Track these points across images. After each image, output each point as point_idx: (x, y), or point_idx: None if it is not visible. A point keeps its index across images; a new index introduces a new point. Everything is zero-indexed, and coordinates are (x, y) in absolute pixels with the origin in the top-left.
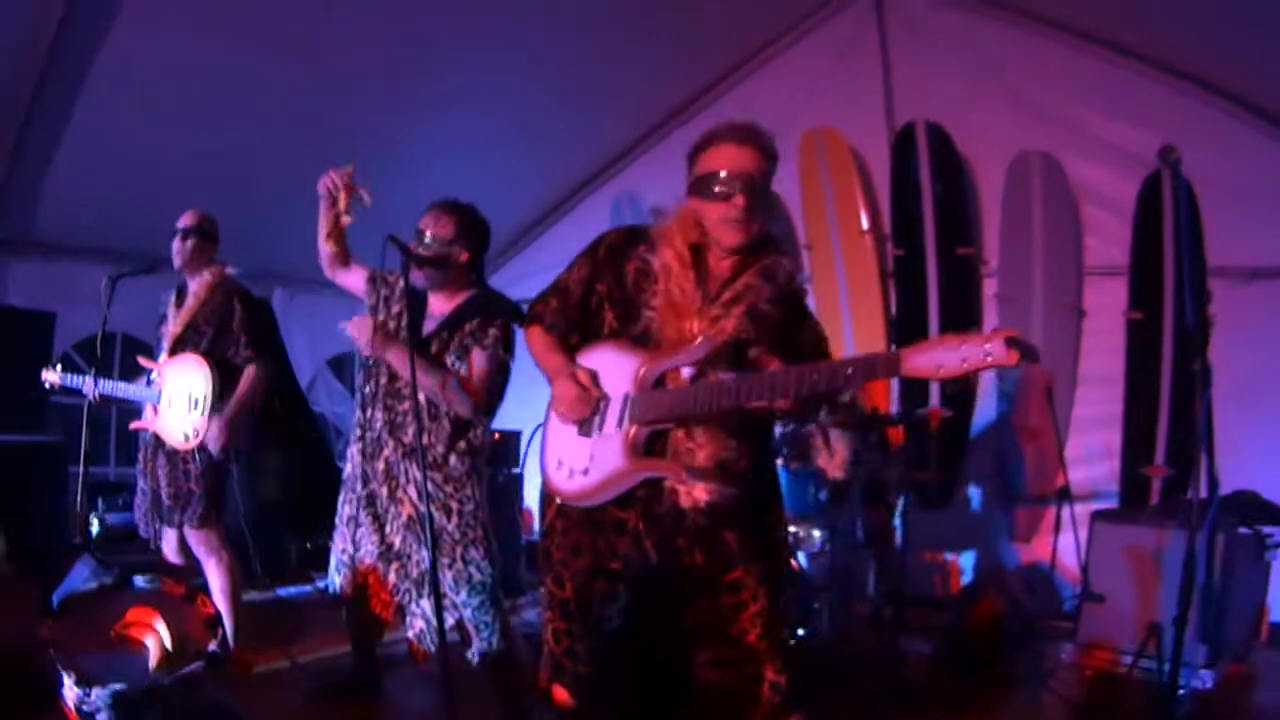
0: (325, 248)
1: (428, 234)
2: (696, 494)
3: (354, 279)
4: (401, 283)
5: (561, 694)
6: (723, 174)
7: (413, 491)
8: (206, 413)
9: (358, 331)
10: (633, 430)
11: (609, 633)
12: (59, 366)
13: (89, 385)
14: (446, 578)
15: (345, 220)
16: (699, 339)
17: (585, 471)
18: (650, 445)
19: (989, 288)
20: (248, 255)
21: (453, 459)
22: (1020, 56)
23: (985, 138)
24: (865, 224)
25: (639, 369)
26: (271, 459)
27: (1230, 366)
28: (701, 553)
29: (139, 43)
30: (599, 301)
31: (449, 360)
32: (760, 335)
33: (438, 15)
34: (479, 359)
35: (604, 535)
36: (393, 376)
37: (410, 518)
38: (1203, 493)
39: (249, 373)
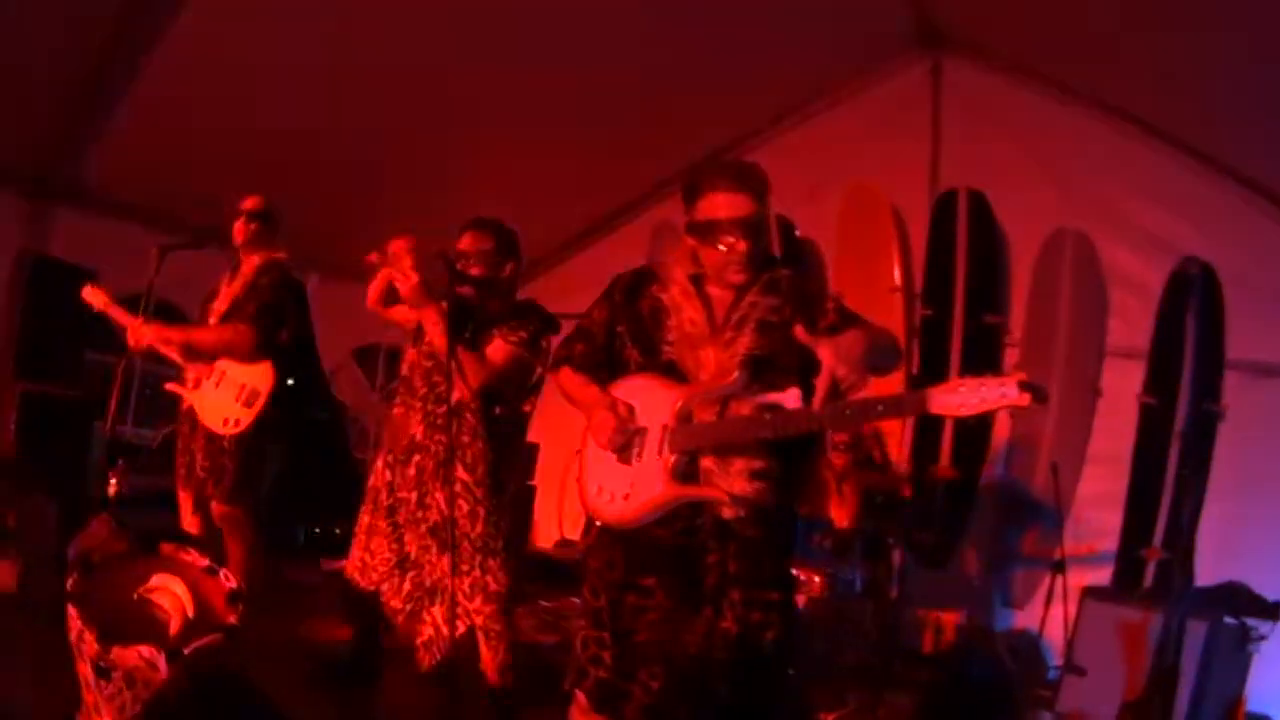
0: (375, 292)
1: (463, 251)
2: (738, 507)
3: (400, 314)
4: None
5: (581, 699)
6: (723, 222)
7: (441, 497)
8: (258, 409)
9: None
10: (672, 459)
11: (635, 643)
12: (105, 291)
13: (137, 328)
14: (464, 583)
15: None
16: (735, 375)
17: (627, 497)
18: (688, 468)
19: (1010, 357)
20: (287, 237)
21: (484, 467)
22: (1067, 135)
23: (1024, 211)
24: (897, 280)
25: (676, 402)
26: (281, 438)
27: (1239, 459)
28: (738, 564)
29: (211, 17)
30: (621, 342)
31: None
32: (776, 346)
33: (497, 41)
34: (497, 345)
35: (640, 552)
36: (434, 383)
37: (436, 524)
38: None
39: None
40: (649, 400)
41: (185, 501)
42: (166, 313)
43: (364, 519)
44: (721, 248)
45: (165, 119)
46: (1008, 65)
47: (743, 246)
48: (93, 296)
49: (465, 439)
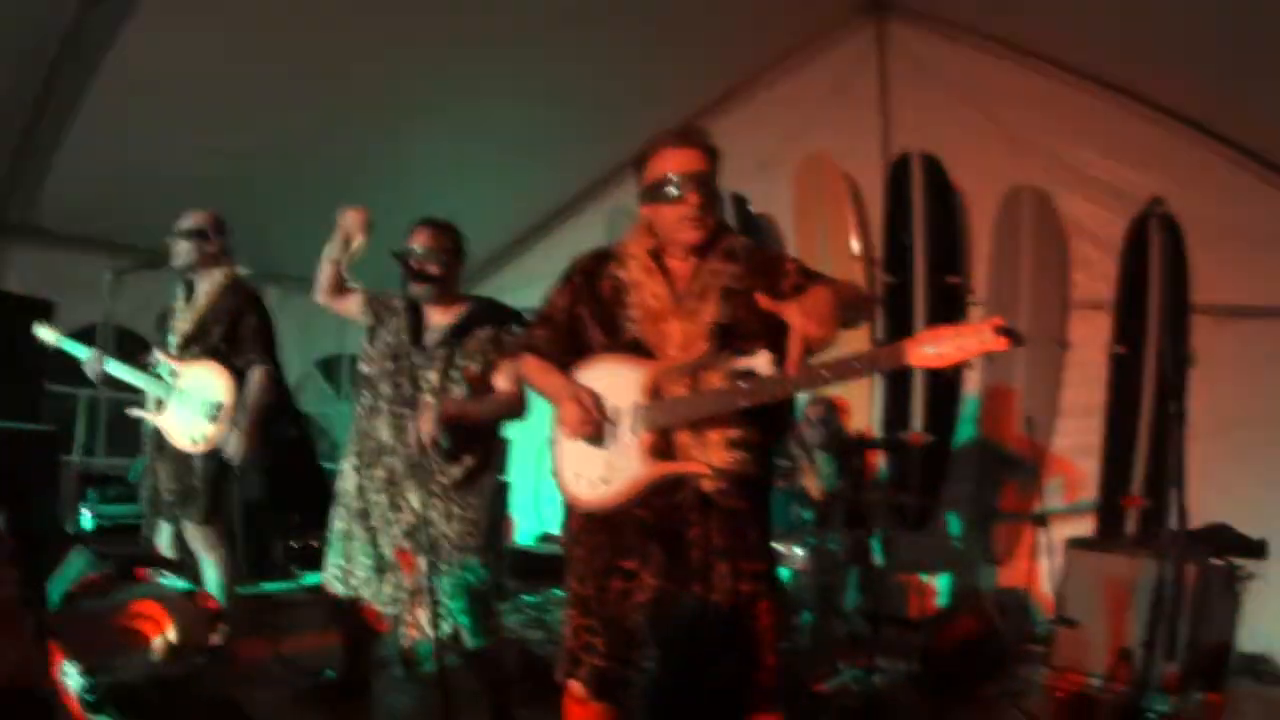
0: (327, 280)
1: (420, 249)
2: (718, 478)
3: (350, 304)
4: (398, 300)
5: (576, 688)
6: (673, 176)
7: (414, 499)
8: (225, 423)
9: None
10: (648, 437)
11: (626, 628)
12: (55, 331)
13: (95, 361)
14: (445, 584)
15: (345, 260)
16: (703, 347)
17: (605, 481)
18: (664, 445)
19: (975, 316)
20: (242, 253)
21: (459, 467)
22: (1018, 93)
23: (979, 171)
24: (856, 249)
25: (645, 379)
26: (256, 456)
27: (1210, 402)
28: (722, 536)
29: (149, 42)
30: (583, 323)
31: (457, 364)
32: (741, 314)
33: (439, 32)
34: (508, 368)
35: (622, 535)
36: (398, 385)
37: (411, 525)
38: (1175, 524)
39: (258, 377)
40: (617, 381)
41: (161, 525)
42: (127, 339)
43: (336, 525)
44: (671, 190)
45: (110, 147)
46: (951, 26)
47: (696, 199)
48: (44, 334)
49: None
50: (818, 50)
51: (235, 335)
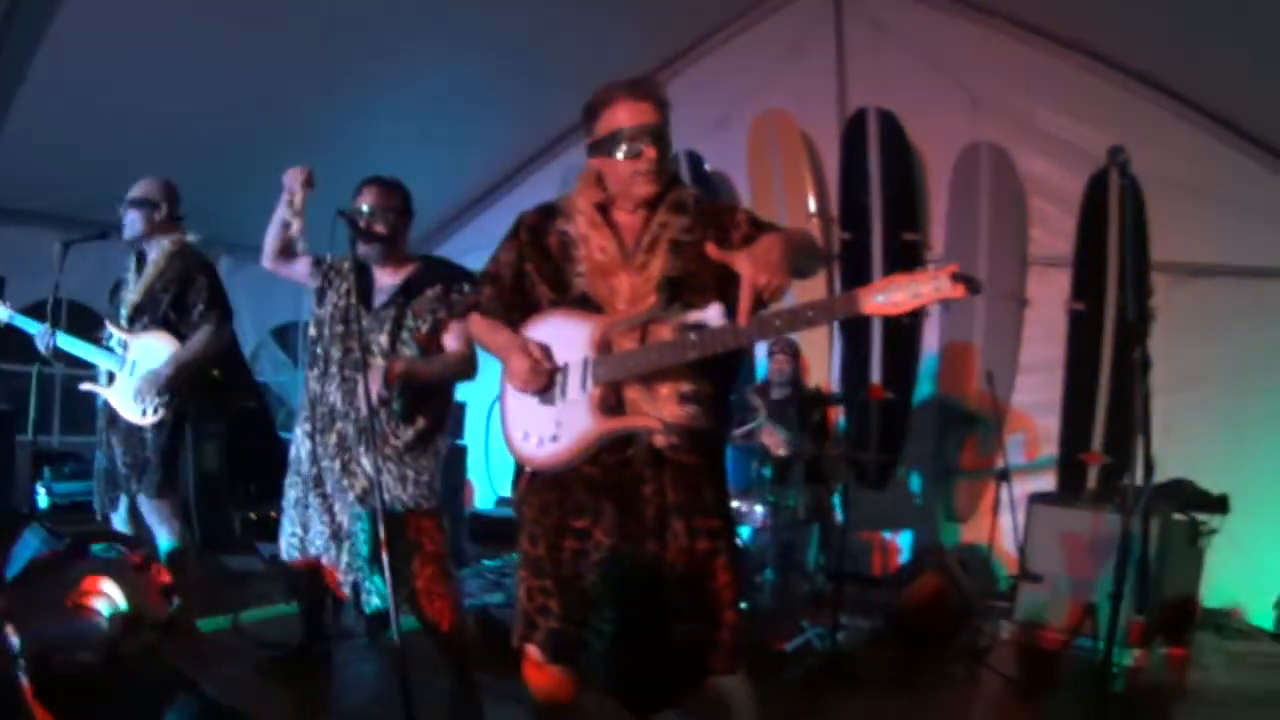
0: (273, 244)
1: (368, 208)
2: (670, 433)
3: (299, 268)
4: (347, 262)
5: (533, 651)
6: (627, 130)
7: (367, 463)
8: (175, 396)
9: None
10: (598, 392)
11: (582, 589)
12: (6, 304)
13: (44, 335)
14: (398, 549)
15: (297, 223)
16: (652, 299)
17: (555, 438)
18: (614, 400)
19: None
20: (194, 222)
21: (411, 429)
22: (973, 51)
23: (936, 128)
24: (813, 207)
25: (594, 333)
26: (213, 428)
27: (1169, 359)
28: (676, 492)
29: (96, 8)
30: (531, 280)
31: (407, 326)
32: (690, 266)
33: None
34: (457, 327)
35: (572, 493)
36: (348, 349)
37: (365, 490)
38: (1139, 479)
39: (200, 333)
40: (565, 336)
41: (113, 500)
42: (79, 313)
43: (290, 494)
44: (624, 144)
45: (58, 117)
46: None
47: (651, 153)
48: None
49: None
50: (774, 8)
51: (184, 302)
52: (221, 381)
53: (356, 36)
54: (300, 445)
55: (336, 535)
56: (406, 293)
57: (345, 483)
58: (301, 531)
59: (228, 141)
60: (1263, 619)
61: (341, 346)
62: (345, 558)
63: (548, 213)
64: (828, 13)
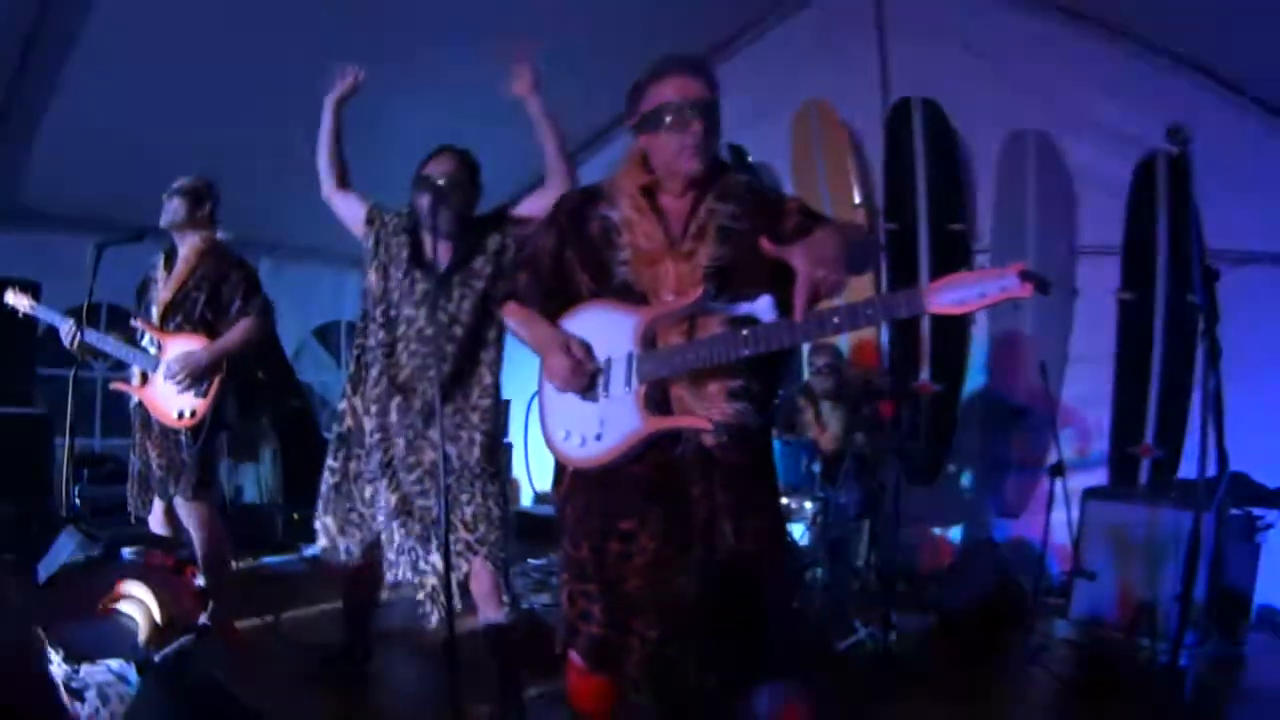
0: (328, 163)
1: (440, 178)
2: (720, 432)
3: (352, 207)
4: (402, 221)
5: (576, 659)
6: (674, 103)
7: (434, 434)
8: (211, 396)
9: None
10: (644, 389)
11: (626, 593)
12: (29, 294)
13: (68, 328)
14: (466, 513)
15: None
16: (699, 290)
17: (599, 437)
18: (660, 397)
19: (980, 263)
20: (233, 223)
21: (478, 390)
22: (1018, 37)
23: (981, 116)
24: (858, 198)
25: (639, 325)
26: (258, 429)
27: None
28: (726, 493)
29: (125, 13)
30: (571, 267)
31: (465, 300)
32: (740, 255)
33: None
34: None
35: (617, 494)
36: (415, 317)
37: (433, 463)
38: (1210, 471)
39: (242, 324)
40: (607, 328)
41: (154, 503)
42: (119, 317)
43: (349, 466)
44: (672, 117)
45: (92, 122)
46: None
47: (698, 126)
48: (16, 299)
49: (464, 365)
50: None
51: (219, 299)
52: (267, 382)
53: (389, 34)
54: (358, 418)
55: (400, 510)
56: (468, 254)
57: (412, 459)
58: (364, 508)
59: (263, 141)
60: None
61: (421, 317)
62: (399, 539)
63: (590, 196)
64: (868, 1)
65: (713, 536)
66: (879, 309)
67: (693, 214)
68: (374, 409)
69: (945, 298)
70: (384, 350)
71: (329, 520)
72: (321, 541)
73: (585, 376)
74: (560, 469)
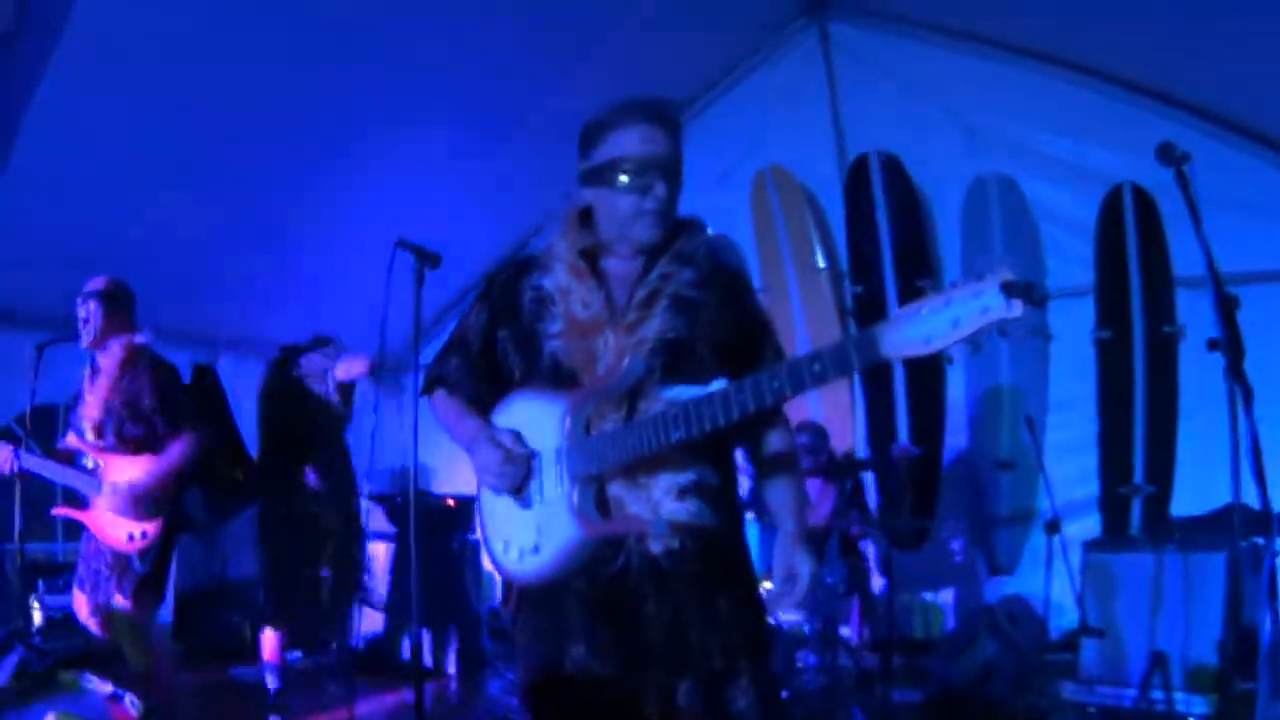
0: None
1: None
2: (670, 536)
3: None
4: None
5: None
6: (634, 159)
7: None
8: (164, 514)
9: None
10: (575, 492)
11: None
12: None
13: (4, 456)
14: None
15: None
16: (625, 360)
17: (536, 549)
18: (599, 498)
19: None
20: (189, 320)
21: None
22: (969, 81)
23: (940, 165)
24: (821, 262)
25: (565, 411)
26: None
27: (1203, 376)
28: (683, 608)
29: (74, 95)
30: (504, 348)
31: None
32: (695, 329)
33: (379, 67)
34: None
35: (565, 615)
36: None
37: None
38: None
39: (180, 442)
40: (536, 420)
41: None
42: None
43: None
44: (629, 178)
45: (33, 213)
46: (891, 19)
47: (661, 190)
48: None
49: None
50: (763, 60)
51: (144, 414)
52: (245, 484)
53: (352, 120)
54: None
55: None
56: None
57: None
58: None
59: (222, 234)
60: None
61: None
62: None
63: (522, 267)
64: (817, 56)
65: (675, 657)
66: (827, 364)
67: (642, 279)
68: None
69: (905, 335)
70: None
71: None
72: None
73: (518, 467)
74: (507, 585)
